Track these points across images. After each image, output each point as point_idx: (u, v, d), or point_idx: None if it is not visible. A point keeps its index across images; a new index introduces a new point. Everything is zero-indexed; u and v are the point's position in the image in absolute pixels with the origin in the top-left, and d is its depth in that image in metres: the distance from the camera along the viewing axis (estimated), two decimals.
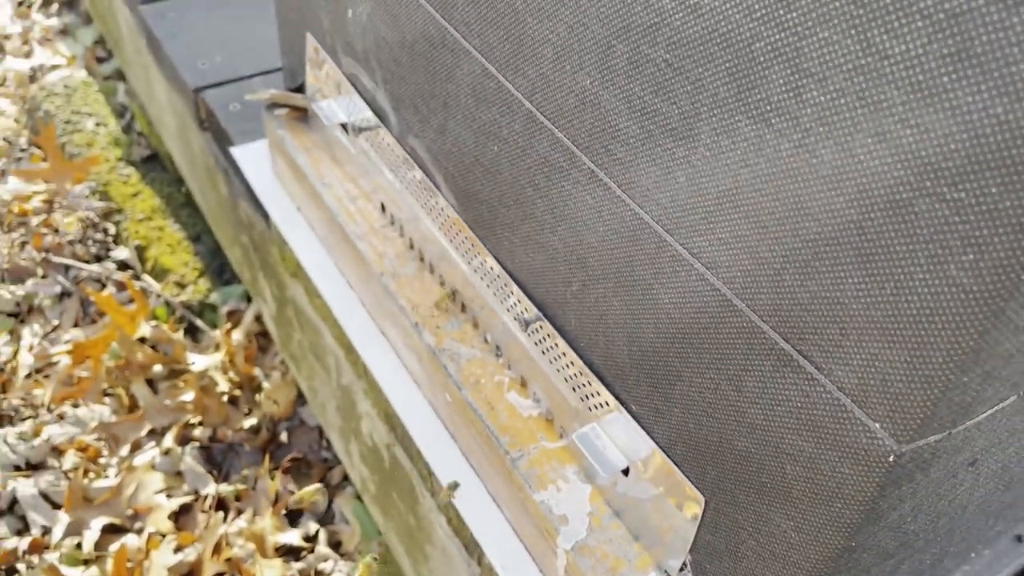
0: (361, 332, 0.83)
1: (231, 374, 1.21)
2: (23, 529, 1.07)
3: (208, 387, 1.18)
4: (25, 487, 1.08)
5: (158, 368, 1.21)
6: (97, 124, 1.48)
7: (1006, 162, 0.29)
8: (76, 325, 1.28)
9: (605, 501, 0.63)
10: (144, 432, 1.15)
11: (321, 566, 1.06)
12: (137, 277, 1.32)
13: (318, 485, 1.11)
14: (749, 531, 0.47)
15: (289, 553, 1.08)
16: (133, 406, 1.18)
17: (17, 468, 1.12)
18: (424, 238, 0.77)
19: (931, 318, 0.33)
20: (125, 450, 1.13)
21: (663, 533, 0.56)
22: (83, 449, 1.13)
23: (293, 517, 1.12)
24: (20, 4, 1.90)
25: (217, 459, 1.16)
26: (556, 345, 0.61)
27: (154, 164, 1.48)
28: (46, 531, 1.06)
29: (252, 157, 0.98)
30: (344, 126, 0.83)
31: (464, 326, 0.74)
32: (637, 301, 0.50)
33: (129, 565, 1.02)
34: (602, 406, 0.58)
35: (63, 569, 1.01)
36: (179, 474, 1.13)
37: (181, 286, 1.31)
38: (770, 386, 0.42)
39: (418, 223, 0.76)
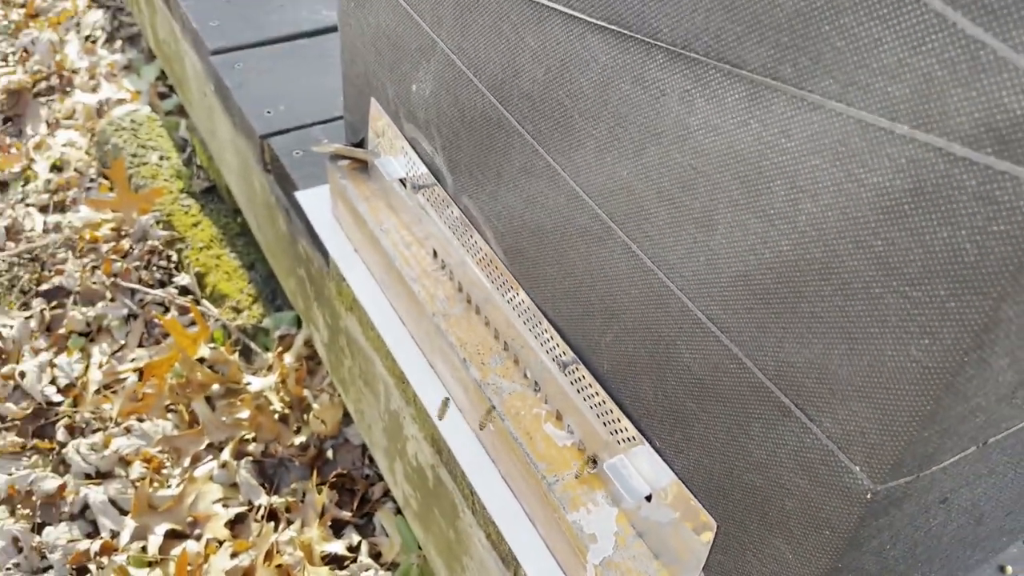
0: (412, 364, 0.93)
1: (283, 394, 1.31)
2: (93, 532, 1.17)
3: (262, 406, 1.28)
4: (96, 494, 1.19)
5: (216, 387, 1.32)
6: (161, 157, 1.60)
7: (951, 272, 0.38)
8: (140, 345, 1.39)
9: (630, 523, 0.71)
10: (203, 446, 1.25)
11: (363, 575, 1.15)
12: (197, 302, 1.43)
13: None
14: (753, 552, 0.56)
15: (334, 562, 1.17)
16: (193, 422, 1.28)
17: (88, 476, 1.22)
18: (471, 282, 0.86)
19: (898, 386, 0.42)
20: (186, 462, 1.24)
21: (680, 553, 0.65)
22: (148, 460, 1.23)
23: (338, 528, 1.22)
24: (85, 39, 2.04)
25: (269, 473, 1.26)
26: (589, 385, 0.70)
27: (212, 195, 1.60)
28: (114, 535, 1.16)
29: (314, 201, 1.09)
30: (402, 180, 0.93)
31: (506, 363, 0.83)
32: (662, 354, 0.59)
33: (190, 568, 1.12)
34: (629, 440, 0.67)
35: (131, 570, 1.11)
36: (235, 486, 1.23)
37: (237, 311, 1.42)
38: (772, 432, 0.51)
39: (466, 268, 0.86)
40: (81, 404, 1.29)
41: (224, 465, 1.24)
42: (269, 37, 1.33)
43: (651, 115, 0.52)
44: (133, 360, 1.35)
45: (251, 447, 1.27)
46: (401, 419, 1.01)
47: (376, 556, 1.19)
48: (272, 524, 1.18)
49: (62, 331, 1.38)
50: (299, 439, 1.28)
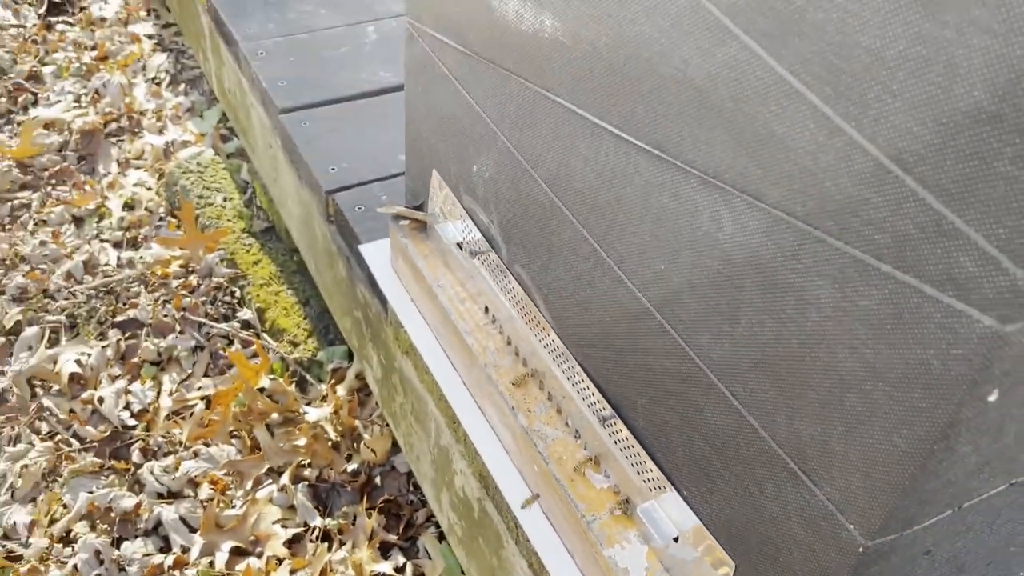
0: (463, 407, 1.04)
1: (336, 424, 1.43)
2: (165, 547, 1.29)
3: (318, 435, 1.40)
4: (168, 512, 1.31)
5: (274, 415, 1.44)
6: (224, 199, 1.74)
7: (923, 380, 0.48)
8: (206, 374, 1.51)
9: (658, 559, 0.82)
10: (264, 470, 1.37)
11: None
12: (258, 335, 1.55)
13: None
14: None
15: None
16: (255, 447, 1.40)
17: (160, 495, 1.35)
18: (519, 337, 0.97)
19: (883, 464, 0.52)
20: (248, 485, 1.35)
21: None
22: (214, 482, 1.35)
23: (385, 550, 1.32)
24: (150, 80, 2.19)
25: (322, 496, 1.38)
26: (626, 438, 0.81)
27: (271, 235, 1.73)
28: (185, 550, 1.28)
29: (376, 254, 1.21)
30: (458, 244, 1.05)
31: (550, 411, 0.94)
32: (691, 419, 0.69)
33: None
34: (660, 488, 0.77)
35: None
36: (292, 508, 1.34)
37: (294, 344, 1.54)
38: (783, 491, 0.61)
39: (514, 324, 0.97)
40: (153, 428, 1.42)
41: (283, 488, 1.35)
42: (332, 97, 1.46)
43: (685, 226, 0.63)
44: (199, 388, 1.48)
45: (307, 472, 1.38)
46: (450, 455, 1.12)
47: None
48: (326, 545, 1.29)
49: (135, 360, 1.50)
50: (351, 466, 1.39)
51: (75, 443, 1.40)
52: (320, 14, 1.65)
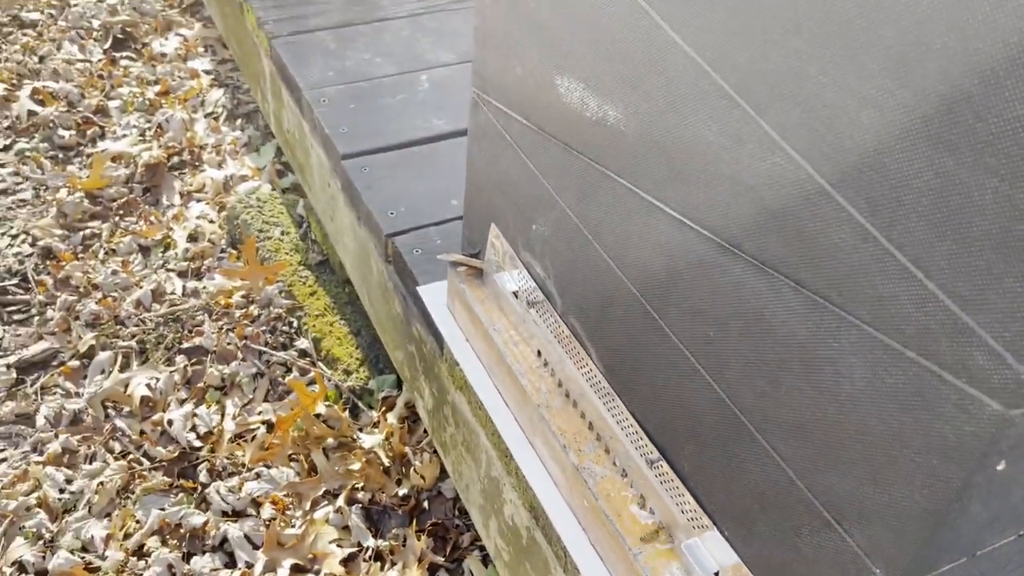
0: (515, 442, 1.13)
1: (387, 450, 1.52)
2: (230, 563, 1.39)
3: (371, 459, 1.50)
4: (233, 530, 1.41)
5: (330, 440, 1.54)
6: (282, 233, 1.85)
7: (941, 449, 0.56)
8: (265, 400, 1.61)
9: None
10: (320, 492, 1.47)
11: None
12: (314, 364, 1.66)
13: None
14: None
15: None
16: (312, 470, 1.50)
17: (225, 514, 1.45)
18: (570, 380, 1.06)
19: (907, 518, 0.61)
20: (307, 506, 1.45)
21: None
22: (275, 502, 1.45)
23: (432, 570, 1.41)
24: (208, 115, 2.32)
25: (374, 518, 1.47)
26: (671, 480, 0.89)
27: (325, 268, 1.83)
28: (249, 566, 1.38)
29: (432, 295, 1.31)
30: (514, 292, 1.14)
31: (598, 451, 1.03)
32: (734, 468, 0.78)
33: None
34: (702, 526, 0.86)
35: None
36: (347, 528, 1.44)
37: (347, 373, 1.64)
38: (817, 536, 0.70)
39: (564, 367, 1.06)
40: (218, 450, 1.52)
41: (338, 510, 1.45)
42: (389, 144, 1.57)
43: (734, 301, 0.72)
44: (260, 413, 1.58)
45: (360, 495, 1.48)
46: (501, 485, 1.21)
47: None
48: (378, 564, 1.39)
49: (200, 385, 1.61)
50: (401, 490, 1.48)
51: (146, 462, 1.51)
52: (376, 62, 1.76)
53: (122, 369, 1.63)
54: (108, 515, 1.43)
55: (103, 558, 1.37)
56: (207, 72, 2.45)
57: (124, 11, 2.63)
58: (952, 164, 0.50)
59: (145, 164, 2.08)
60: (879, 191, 0.55)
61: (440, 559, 1.41)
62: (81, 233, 1.91)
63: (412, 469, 1.50)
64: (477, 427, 1.25)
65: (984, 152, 0.48)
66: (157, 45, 2.52)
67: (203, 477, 1.49)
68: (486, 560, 1.42)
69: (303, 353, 1.68)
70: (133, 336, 1.69)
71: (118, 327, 1.70)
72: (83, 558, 1.37)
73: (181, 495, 1.47)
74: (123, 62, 2.46)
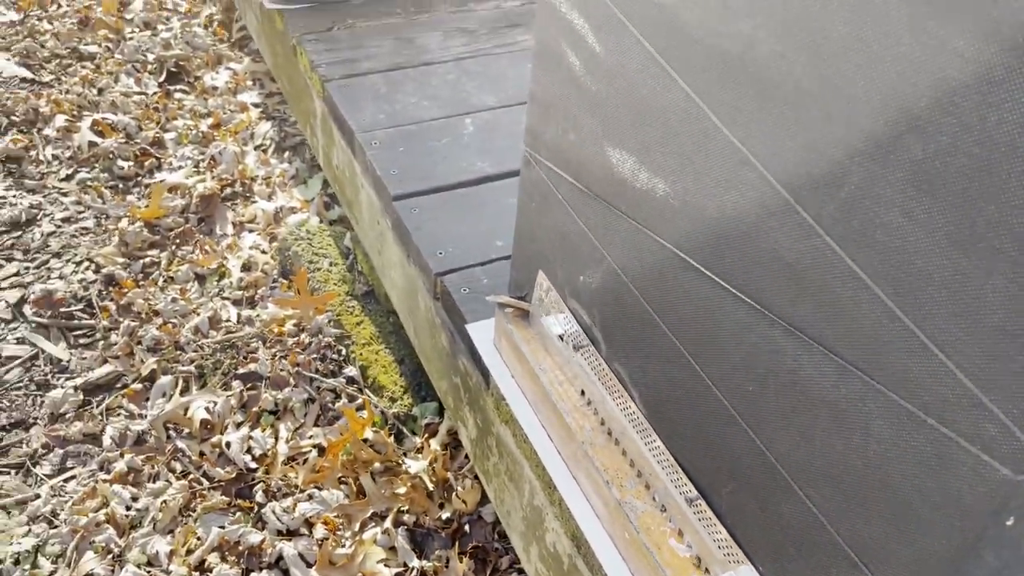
0: (559, 475, 1.21)
1: (431, 475, 1.61)
2: None
3: (416, 484, 1.58)
4: (289, 548, 1.50)
5: (376, 464, 1.63)
6: (331, 264, 1.95)
7: (958, 504, 0.64)
8: (316, 424, 1.71)
9: None
10: (368, 514, 1.56)
11: None
12: (361, 391, 1.75)
13: None
14: None
15: None
16: (360, 493, 1.59)
17: (280, 533, 1.54)
18: (611, 418, 1.15)
19: (927, 564, 0.68)
20: (356, 527, 1.54)
21: None
22: (327, 523, 1.54)
23: None
24: (258, 148, 2.43)
25: (418, 540, 1.55)
26: (709, 518, 0.97)
27: (370, 298, 1.93)
28: None
29: (480, 332, 1.40)
30: (560, 335, 1.23)
31: (639, 487, 1.11)
32: (770, 511, 0.86)
33: None
34: (738, 562, 0.94)
35: None
36: (393, 549, 1.53)
37: (392, 400, 1.73)
38: None
39: (606, 405, 1.15)
40: (273, 472, 1.62)
41: (385, 531, 1.54)
42: (436, 186, 1.67)
43: (771, 360, 0.80)
44: (311, 437, 1.67)
45: (405, 517, 1.57)
46: (543, 514, 1.29)
47: None
48: None
49: (255, 409, 1.71)
50: (444, 514, 1.57)
51: (205, 482, 1.60)
52: (423, 106, 1.86)
53: (182, 393, 1.73)
54: (171, 531, 1.53)
55: (167, 572, 1.47)
56: (256, 105, 2.57)
57: (177, 45, 2.76)
58: (966, 264, 0.58)
59: (200, 195, 2.19)
60: (905, 280, 0.64)
61: None
62: (141, 261, 2.02)
63: (454, 494, 1.59)
64: (521, 459, 1.34)
65: (994, 251, 0.56)
66: (209, 79, 2.64)
67: (259, 497, 1.58)
68: None
69: (351, 380, 1.77)
70: (192, 361, 1.79)
71: (178, 352, 1.81)
72: (149, 572, 1.47)
73: (239, 514, 1.56)
74: (177, 95, 2.59)
